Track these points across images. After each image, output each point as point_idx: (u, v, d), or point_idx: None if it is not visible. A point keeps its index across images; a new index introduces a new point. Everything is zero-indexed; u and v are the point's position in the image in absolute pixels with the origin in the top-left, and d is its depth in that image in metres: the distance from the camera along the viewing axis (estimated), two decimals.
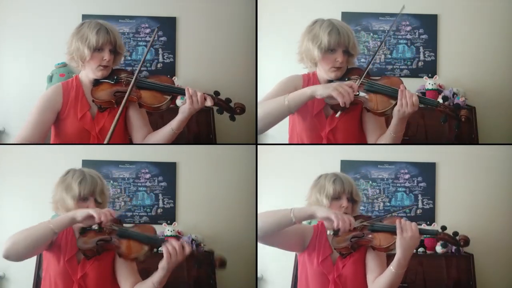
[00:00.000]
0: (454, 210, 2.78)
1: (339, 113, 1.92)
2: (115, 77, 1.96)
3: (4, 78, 2.78)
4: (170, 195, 2.82)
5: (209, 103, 1.91)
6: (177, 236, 2.73)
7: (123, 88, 1.93)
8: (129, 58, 2.82)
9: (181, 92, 1.93)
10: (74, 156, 2.65)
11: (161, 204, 2.82)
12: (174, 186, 2.83)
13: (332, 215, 1.76)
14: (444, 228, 1.88)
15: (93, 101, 1.95)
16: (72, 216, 1.75)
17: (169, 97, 1.94)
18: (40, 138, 1.96)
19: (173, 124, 1.94)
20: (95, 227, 1.82)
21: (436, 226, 2.74)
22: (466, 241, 1.86)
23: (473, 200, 2.77)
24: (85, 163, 2.66)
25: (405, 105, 1.85)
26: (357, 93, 1.89)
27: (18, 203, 2.75)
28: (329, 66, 1.95)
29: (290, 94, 1.91)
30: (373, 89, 1.91)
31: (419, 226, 1.80)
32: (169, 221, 2.80)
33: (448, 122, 1.92)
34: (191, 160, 2.83)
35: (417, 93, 1.91)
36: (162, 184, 2.83)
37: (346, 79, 1.94)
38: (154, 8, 2.81)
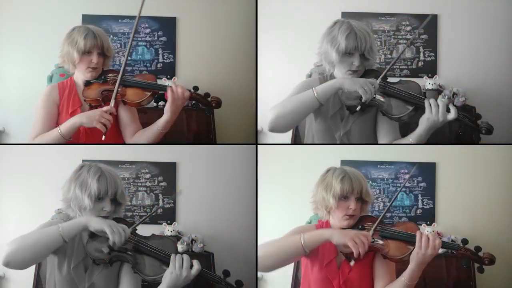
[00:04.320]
0: (454, 210, 2.78)
1: (352, 262, 1.77)
2: (103, 77, 2.08)
3: (4, 78, 2.78)
4: (170, 195, 2.82)
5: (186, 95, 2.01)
6: (177, 236, 2.73)
7: (109, 87, 2.04)
8: (129, 58, 2.81)
9: (162, 88, 2.02)
10: (74, 156, 2.64)
11: (161, 204, 2.82)
12: (174, 186, 2.83)
13: (349, 242, 1.66)
14: (465, 241, 1.77)
15: (84, 100, 2.07)
16: (85, 224, 1.64)
17: (149, 93, 2.04)
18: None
19: (159, 125, 2.03)
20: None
21: (436, 226, 2.74)
22: (491, 260, 1.72)
23: (473, 200, 2.76)
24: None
25: (425, 248, 1.66)
26: (373, 240, 1.76)
27: (18, 203, 2.75)
28: (345, 69, 1.94)
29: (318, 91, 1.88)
30: (389, 236, 1.78)
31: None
32: (169, 221, 2.80)
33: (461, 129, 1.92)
34: (191, 160, 2.83)
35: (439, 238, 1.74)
36: (162, 184, 2.83)
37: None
38: (154, 8, 2.80)
